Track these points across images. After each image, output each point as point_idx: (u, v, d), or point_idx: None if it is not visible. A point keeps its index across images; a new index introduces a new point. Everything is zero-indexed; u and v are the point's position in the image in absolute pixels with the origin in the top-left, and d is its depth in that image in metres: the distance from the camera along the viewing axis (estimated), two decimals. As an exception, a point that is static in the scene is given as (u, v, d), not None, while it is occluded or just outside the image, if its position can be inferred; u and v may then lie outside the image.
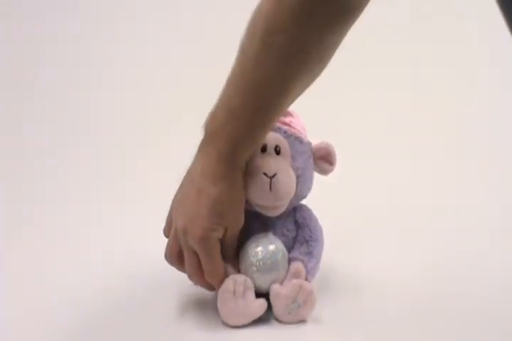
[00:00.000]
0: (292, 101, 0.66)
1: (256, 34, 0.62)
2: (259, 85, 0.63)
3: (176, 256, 0.67)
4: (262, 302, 0.65)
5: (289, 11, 0.60)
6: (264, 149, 0.68)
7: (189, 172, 0.67)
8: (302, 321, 0.66)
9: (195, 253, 0.65)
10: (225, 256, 0.66)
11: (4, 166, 1.13)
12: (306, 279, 0.67)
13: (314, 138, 0.73)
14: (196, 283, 0.67)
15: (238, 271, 0.67)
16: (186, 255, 0.66)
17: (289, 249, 0.69)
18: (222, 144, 0.64)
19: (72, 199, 1.05)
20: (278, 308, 0.65)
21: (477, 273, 0.77)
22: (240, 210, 0.66)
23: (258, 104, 0.63)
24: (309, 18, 0.61)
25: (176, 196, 0.68)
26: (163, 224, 0.70)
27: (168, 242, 0.68)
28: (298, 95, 0.66)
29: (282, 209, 0.69)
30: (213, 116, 0.65)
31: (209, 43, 1.30)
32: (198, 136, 0.66)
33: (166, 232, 0.69)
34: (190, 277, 0.67)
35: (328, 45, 0.64)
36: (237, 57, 0.65)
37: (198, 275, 0.66)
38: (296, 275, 0.67)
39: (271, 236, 0.68)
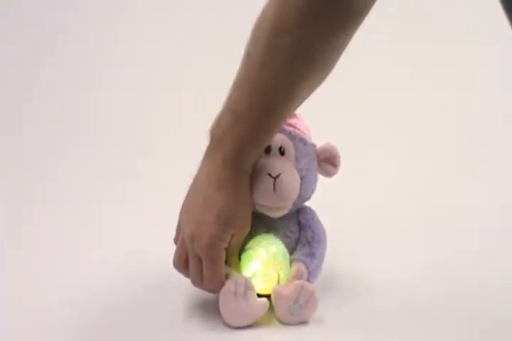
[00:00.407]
0: (299, 103, 0.66)
1: (261, 36, 0.62)
2: (266, 87, 0.63)
3: (184, 264, 0.67)
4: (263, 302, 0.65)
5: (295, 11, 0.60)
6: (268, 150, 0.68)
7: (195, 179, 0.67)
8: (304, 322, 0.65)
9: (201, 260, 0.65)
10: (227, 259, 0.66)
11: (4, 166, 1.13)
12: (308, 280, 0.67)
13: (314, 139, 0.73)
14: (199, 287, 0.67)
15: (240, 272, 0.66)
16: (191, 261, 0.65)
17: (292, 250, 0.69)
18: (228, 148, 0.63)
19: (72, 199, 1.05)
20: (280, 309, 0.65)
21: (477, 273, 0.78)
22: (247, 215, 0.66)
23: (265, 106, 0.63)
24: (315, 19, 0.61)
25: (183, 204, 0.68)
26: (163, 224, 0.70)
27: (177, 250, 0.67)
28: (304, 98, 0.66)
29: (286, 211, 0.68)
30: (219, 122, 0.65)
31: (209, 43, 1.30)
32: (198, 136, 0.66)
33: (176, 240, 0.69)
34: (194, 282, 0.66)
35: (333, 47, 0.64)
36: (242, 60, 0.64)
37: (202, 281, 0.66)
38: (298, 277, 0.66)
39: (273, 237, 0.68)
